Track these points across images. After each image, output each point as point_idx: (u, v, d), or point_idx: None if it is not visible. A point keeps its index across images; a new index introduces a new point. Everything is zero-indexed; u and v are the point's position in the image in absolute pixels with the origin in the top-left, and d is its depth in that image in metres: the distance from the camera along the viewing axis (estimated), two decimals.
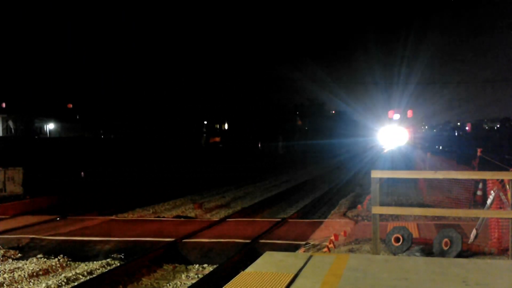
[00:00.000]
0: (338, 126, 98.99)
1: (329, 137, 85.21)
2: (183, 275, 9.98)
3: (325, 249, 9.57)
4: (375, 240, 7.49)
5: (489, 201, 8.60)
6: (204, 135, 74.67)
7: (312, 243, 10.62)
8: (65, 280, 9.31)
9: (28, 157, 28.22)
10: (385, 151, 33.76)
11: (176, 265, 10.59)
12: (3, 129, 48.33)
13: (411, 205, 14.97)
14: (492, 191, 8.56)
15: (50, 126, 56.78)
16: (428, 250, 8.83)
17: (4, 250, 11.37)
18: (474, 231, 8.78)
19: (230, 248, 10.89)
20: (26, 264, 10.47)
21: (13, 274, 9.68)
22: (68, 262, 10.72)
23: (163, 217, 16.63)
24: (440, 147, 63.31)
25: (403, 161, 31.06)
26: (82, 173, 26.84)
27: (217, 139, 78.22)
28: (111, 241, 11.59)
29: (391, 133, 31.38)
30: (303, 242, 10.79)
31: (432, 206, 13.82)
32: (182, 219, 15.70)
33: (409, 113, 31.89)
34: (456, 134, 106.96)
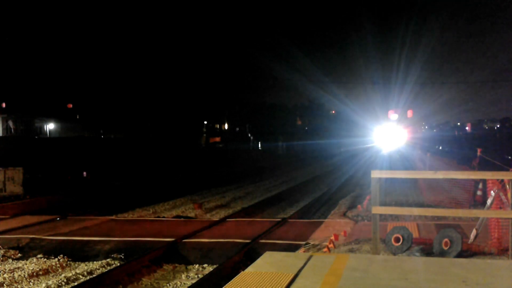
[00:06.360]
0: (337, 126, 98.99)
1: (329, 137, 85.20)
2: (183, 275, 9.98)
3: (325, 249, 9.57)
4: (375, 240, 7.49)
5: (489, 201, 8.59)
6: (204, 135, 74.65)
7: (312, 243, 10.62)
8: (65, 280, 9.31)
9: (28, 157, 28.20)
10: (383, 151, 33.62)
11: (176, 265, 10.59)
12: (3, 129, 48.28)
13: (411, 205, 14.96)
14: (492, 191, 8.56)
15: (50, 126, 56.76)
16: (428, 250, 8.83)
17: (4, 250, 11.37)
18: (474, 231, 8.77)
19: (230, 248, 10.88)
20: (26, 264, 10.47)
21: (13, 274, 9.68)
22: (68, 262, 10.72)
23: (163, 217, 16.63)
24: (440, 147, 63.31)
25: (402, 161, 31.05)
26: (84, 173, 26.82)
27: (217, 139, 78.21)
28: (111, 241, 11.59)
29: (389, 134, 31.29)
30: (303, 242, 10.79)
31: (432, 206, 13.82)
32: (182, 219, 15.70)
33: (409, 113, 31.82)
34: (456, 134, 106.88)
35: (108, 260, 10.60)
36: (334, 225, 12.55)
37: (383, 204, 8.06)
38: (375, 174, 7.55)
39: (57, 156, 31.41)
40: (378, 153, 38.07)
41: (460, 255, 8.19)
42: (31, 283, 9.34)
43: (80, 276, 9.65)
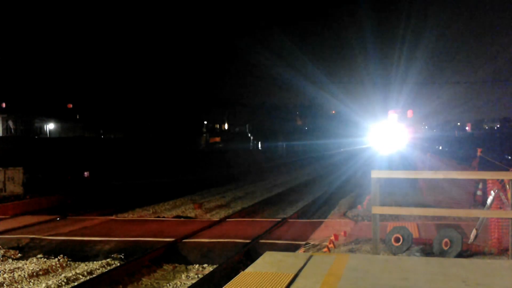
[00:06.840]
0: (337, 126, 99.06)
1: (329, 137, 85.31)
2: (183, 275, 9.98)
3: (325, 249, 9.57)
4: (375, 240, 7.49)
5: (489, 201, 8.59)
6: (204, 135, 74.61)
7: (312, 243, 10.62)
8: (65, 280, 9.31)
9: (28, 157, 28.19)
10: (383, 151, 33.68)
11: (176, 265, 10.59)
12: (3, 129, 48.27)
13: (410, 205, 14.96)
14: (492, 191, 8.56)
15: (50, 126, 56.73)
16: (428, 250, 8.83)
17: (4, 250, 11.37)
18: (474, 231, 8.77)
19: (230, 248, 10.89)
20: (26, 264, 10.47)
21: (13, 274, 9.68)
22: (68, 262, 10.72)
23: (163, 217, 16.62)
24: (440, 147, 63.38)
25: (402, 161, 31.09)
26: (85, 173, 26.83)
27: (217, 139, 78.10)
28: (111, 241, 11.59)
29: (390, 134, 31.33)
30: (303, 242, 10.79)
31: (432, 206, 13.82)
32: (182, 219, 15.70)
33: (409, 113, 31.89)
34: (456, 134, 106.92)
35: (108, 260, 10.60)
36: (334, 225, 12.55)
37: (383, 204, 8.05)
38: (375, 174, 7.55)
39: (57, 156, 31.41)
40: (378, 153, 38.19)
41: (460, 255, 8.19)
42: (31, 283, 9.34)
43: (80, 276, 9.65)
